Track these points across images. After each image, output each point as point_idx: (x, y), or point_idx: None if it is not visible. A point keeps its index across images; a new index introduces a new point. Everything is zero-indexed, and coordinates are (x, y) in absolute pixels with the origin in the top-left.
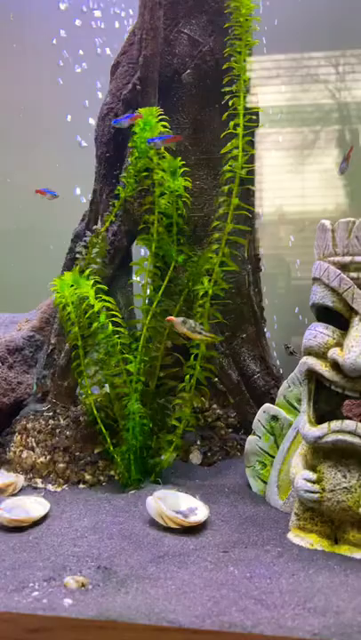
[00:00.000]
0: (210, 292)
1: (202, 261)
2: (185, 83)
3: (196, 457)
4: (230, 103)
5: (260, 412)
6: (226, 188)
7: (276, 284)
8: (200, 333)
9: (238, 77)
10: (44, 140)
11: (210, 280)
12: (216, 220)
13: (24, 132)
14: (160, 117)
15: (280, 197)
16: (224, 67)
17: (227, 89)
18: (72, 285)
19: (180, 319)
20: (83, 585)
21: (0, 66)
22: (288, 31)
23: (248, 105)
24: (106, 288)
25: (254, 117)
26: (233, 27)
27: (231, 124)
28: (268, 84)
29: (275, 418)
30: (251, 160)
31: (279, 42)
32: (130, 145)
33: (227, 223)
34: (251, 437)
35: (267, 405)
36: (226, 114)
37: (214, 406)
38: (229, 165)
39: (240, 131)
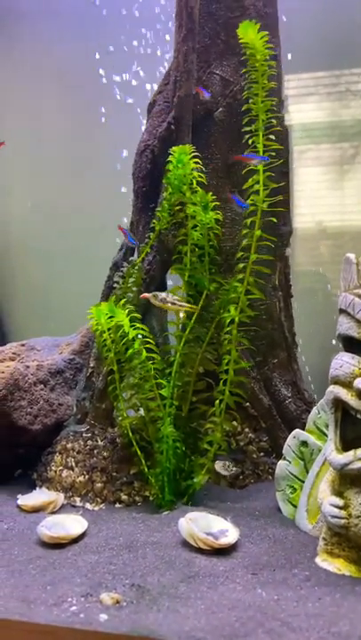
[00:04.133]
0: (236, 319)
1: (231, 290)
2: (217, 120)
3: (222, 468)
4: (250, 142)
5: (290, 437)
6: (248, 220)
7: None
8: (174, 304)
9: (257, 117)
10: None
11: (236, 308)
12: (241, 251)
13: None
14: (193, 154)
15: (320, 213)
16: (243, 108)
17: (246, 128)
18: (108, 315)
19: (151, 294)
20: (117, 601)
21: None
22: (326, 48)
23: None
24: (140, 316)
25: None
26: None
27: None
28: (308, 102)
29: (304, 443)
30: (281, 191)
31: (318, 58)
32: (164, 182)
33: (250, 254)
34: (281, 462)
35: (297, 431)
36: (246, 151)
37: (246, 430)
38: (251, 199)
39: (260, 167)
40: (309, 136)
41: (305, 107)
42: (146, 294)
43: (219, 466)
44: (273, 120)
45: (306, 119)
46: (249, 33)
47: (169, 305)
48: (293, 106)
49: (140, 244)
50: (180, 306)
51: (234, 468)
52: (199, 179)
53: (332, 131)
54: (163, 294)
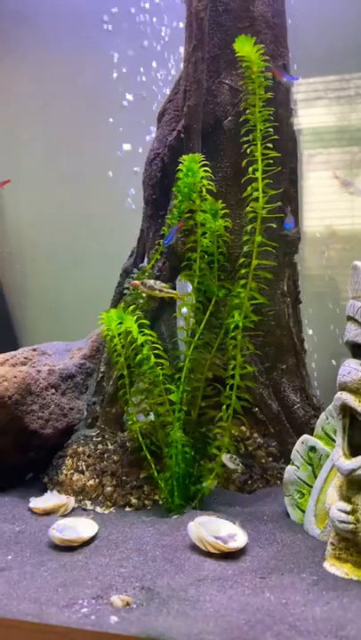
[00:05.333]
0: (240, 324)
1: (235, 295)
2: (226, 129)
3: (229, 461)
4: (248, 151)
5: (298, 442)
6: (249, 227)
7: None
8: (161, 291)
9: (255, 127)
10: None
11: (240, 313)
12: (243, 257)
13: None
14: (202, 163)
15: (329, 217)
16: (241, 119)
17: (244, 138)
18: (118, 321)
19: (140, 281)
20: (127, 604)
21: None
22: (336, 51)
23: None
24: (148, 323)
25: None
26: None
27: (250, 169)
28: (317, 106)
29: (313, 449)
30: (288, 199)
31: (328, 62)
32: (174, 189)
33: (252, 260)
34: (289, 467)
35: (305, 436)
36: (245, 161)
37: (255, 435)
38: (251, 206)
39: (259, 175)
40: (319, 140)
41: (314, 111)
42: (135, 281)
43: (226, 458)
44: (271, 129)
45: (315, 123)
46: (245, 47)
47: (157, 292)
48: (303, 110)
49: (149, 251)
50: (167, 292)
51: (241, 464)
52: (209, 186)
53: (341, 134)
54: (150, 282)
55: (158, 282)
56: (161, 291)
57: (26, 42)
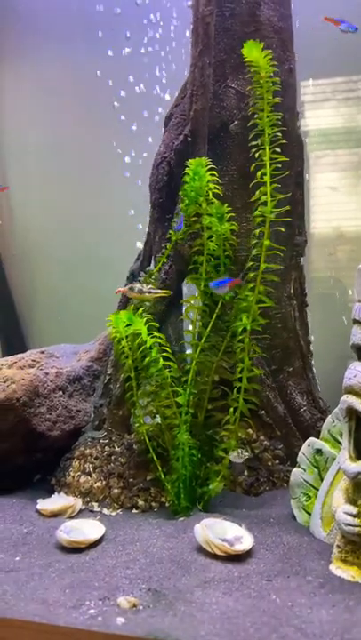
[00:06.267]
0: (248, 327)
1: (243, 299)
2: (232, 133)
3: (236, 456)
4: (256, 155)
5: (304, 445)
6: (257, 231)
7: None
8: (150, 293)
9: (263, 132)
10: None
11: (248, 316)
12: (251, 261)
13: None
14: (209, 167)
15: (337, 219)
16: (249, 124)
17: (253, 143)
18: (126, 323)
19: (127, 287)
20: (134, 605)
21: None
22: (343, 53)
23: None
24: (157, 325)
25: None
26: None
27: (258, 173)
28: (324, 107)
29: (319, 451)
30: (295, 203)
31: (335, 64)
32: (181, 193)
33: (260, 263)
34: (295, 470)
35: (311, 439)
36: (253, 165)
37: (261, 438)
38: (259, 210)
39: (267, 179)
40: (326, 141)
41: (322, 112)
42: (121, 288)
43: (233, 455)
44: (279, 134)
45: (323, 125)
46: (253, 52)
47: (146, 295)
48: (310, 112)
49: (156, 254)
50: (156, 293)
51: (247, 454)
52: (215, 190)
53: (348, 136)
54: (138, 285)
55: (146, 285)
56: (150, 293)
57: (42, 45)
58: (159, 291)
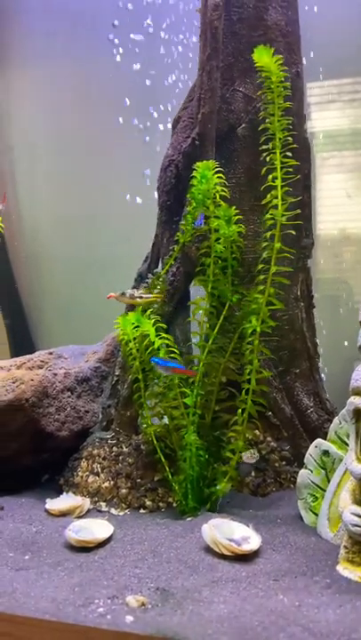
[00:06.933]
0: (258, 329)
1: (252, 301)
2: (240, 136)
3: (249, 457)
4: (268, 159)
5: (311, 446)
6: (268, 234)
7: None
8: (142, 298)
9: (274, 135)
10: None
11: (257, 318)
12: (261, 263)
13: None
14: (216, 170)
15: (343, 220)
16: (260, 128)
17: (263, 147)
18: (134, 325)
19: (118, 293)
20: (143, 604)
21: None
22: (350, 54)
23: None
24: (165, 326)
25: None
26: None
27: (270, 177)
28: (331, 109)
29: (326, 453)
30: (303, 205)
31: (342, 65)
32: (188, 196)
33: (271, 266)
34: (303, 471)
35: (318, 440)
36: (264, 169)
37: (268, 439)
38: (270, 213)
39: (278, 182)
40: (332, 143)
41: (328, 114)
42: (112, 294)
43: (246, 455)
44: (289, 138)
45: (329, 126)
46: (264, 57)
47: (137, 300)
48: (316, 113)
49: (163, 256)
50: (147, 297)
51: (257, 454)
52: (222, 193)
53: (355, 137)
54: (130, 291)
55: (136, 290)
56: (141, 297)
57: (51, 45)
58: (150, 295)
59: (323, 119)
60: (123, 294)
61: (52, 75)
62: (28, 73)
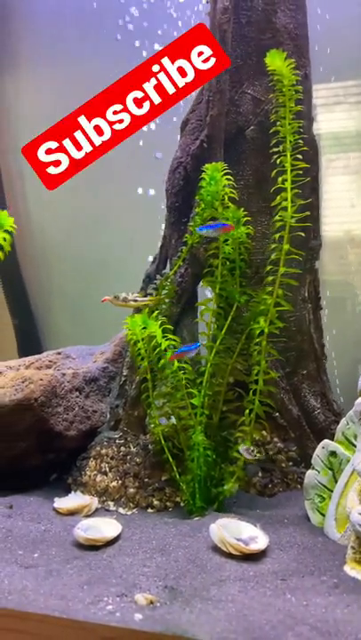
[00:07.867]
0: (266, 330)
1: (260, 302)
2: (248, 138)
3: (245, 452)
4: (278, 161)
5: (319, 447)
6: (277, 235)
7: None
8: (135, 301)
9: (284, 138)
10: None
11: (265, 319)
12: (270, 265)
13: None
14: (224, 171)
15: (350, 222)
16: (271, 130)
17: (274, 149)
18: (142, 326)
19: (112, 296)
20: (151, 602)
21: None
22: (356, 56)
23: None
24: (172, 328)
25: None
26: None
27: (280, 179)
28: (337, 110)
29: (333, 453)
30: (311, 207)
31: (348, 67)
32: (197, 198)
33: (279, 267)
34: (310, 471)
35: (325, 441)
36: (275, 171)
37: (275, 440)
38: (280, 215)
39: (288, 185)
40: (339, 144)
41: (334, 115)
42: (106, 297)
43: (243, 449)
44: (300, 141)
45: (335, 128)
46: (276, 60)
47: (131, 303)
48: (323, 115)
49: (171, 257)
50: (142, 301)
51: (258, 454)
52: (231, 194)
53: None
54: (123, 294)
55: (130, 293)
56: (135, 301)
57: (58, 48)
58: (145, 299)
59: (329, 121)
60: (116, 297)
61: (61, 77)
62: (38, 75)
